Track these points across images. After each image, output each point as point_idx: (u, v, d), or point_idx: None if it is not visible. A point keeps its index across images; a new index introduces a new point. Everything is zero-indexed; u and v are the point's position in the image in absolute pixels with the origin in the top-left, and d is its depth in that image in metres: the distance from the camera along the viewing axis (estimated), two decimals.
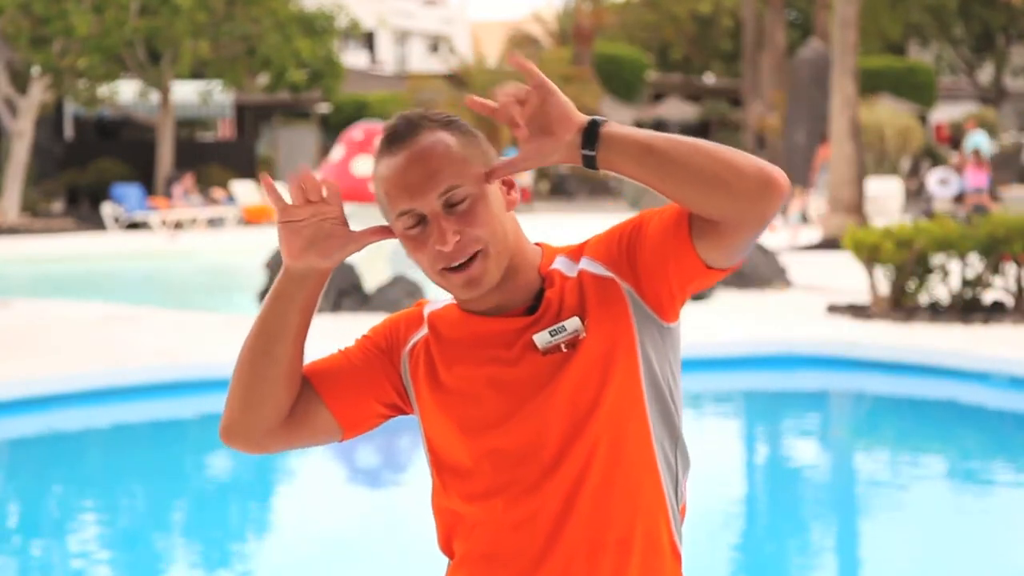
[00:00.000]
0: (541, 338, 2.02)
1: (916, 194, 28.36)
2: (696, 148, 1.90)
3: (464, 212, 1.99)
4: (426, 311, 2.15)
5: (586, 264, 2.06)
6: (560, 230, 23.66)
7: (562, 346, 2.01)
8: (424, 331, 2.13)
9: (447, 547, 2.20)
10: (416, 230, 2.02)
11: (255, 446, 2.16)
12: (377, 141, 2.07)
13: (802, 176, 25.99)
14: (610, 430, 2.01)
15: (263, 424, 2.14)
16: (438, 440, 2.11)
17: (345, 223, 2.07)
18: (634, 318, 2.04)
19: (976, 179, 23.43)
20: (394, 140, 2.03)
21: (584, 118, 1.91)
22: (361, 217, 11.41)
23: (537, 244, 2.13)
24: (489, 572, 2.09)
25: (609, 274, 2.04)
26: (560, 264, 2.08)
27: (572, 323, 2.01)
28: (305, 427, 2.14)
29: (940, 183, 25.49)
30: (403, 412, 2.18)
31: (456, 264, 2.00)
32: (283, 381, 2.13)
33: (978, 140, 24.63)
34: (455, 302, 2.12)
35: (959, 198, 24.34)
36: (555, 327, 2.01)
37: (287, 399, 2.13)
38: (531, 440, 2.02)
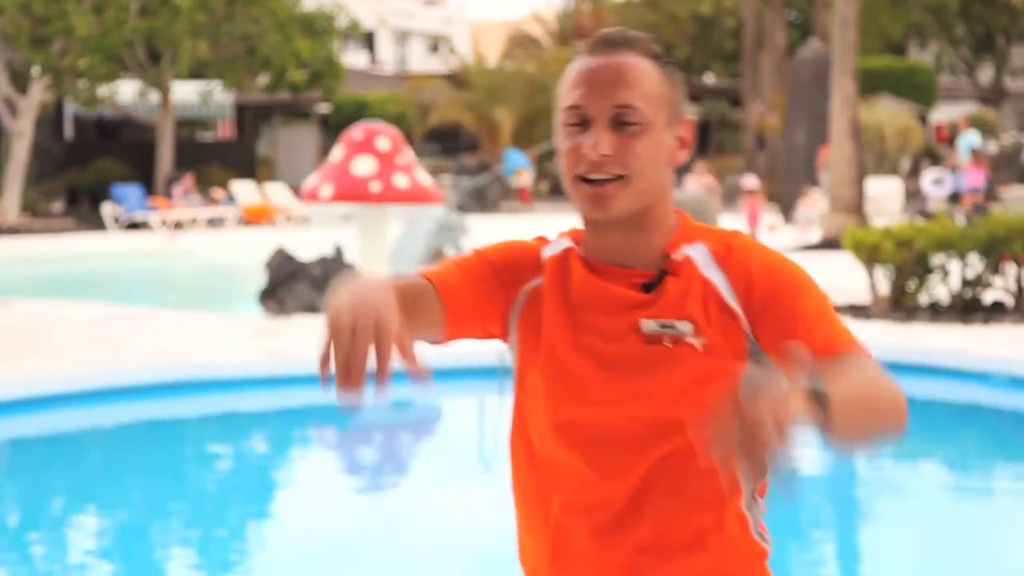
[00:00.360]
0: (648, 325, 1.98)
1: (915, 194, 28.36)
2: (885, 409, 1.81)
3: (628, 135, 1.94)
4: (544, 254, 2.08)
5: (718, 279, 1.99)
6: (560, 230, 23.61)
7: (666, 340, 1.98)
8: (540, 279, 2.07)
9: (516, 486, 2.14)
10: (575, 128, 1.97)
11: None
12: (587, 42, 2.02)
13: (802, 176, 25.98)
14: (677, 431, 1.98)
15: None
16: (524, 394, 2.07)
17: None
18: (747, 354, 1.99)
19: (974, 179, 23.46)
20: (602, 45, 1.99)
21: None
22: (361, 217, 11.47)
23: (677, 212, 2.06)
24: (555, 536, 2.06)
25: (737, 308, 1.98)
26: (697, 255, 2.01)
27: (684, 326, 1.97)
28: (422, 326, 2.02)
29: (934, 183, 25.52)
30: (501, 339, 2.13)
31: (594, 177, 1.95)
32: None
33: (971, 140, 24.66)
34: (574, 246, 2.06)
35: (954, 198, 24.37)
36: (666, 322, 1.98)
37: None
38: (610, 422, 1.99)
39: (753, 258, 1.99)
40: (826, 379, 1.69)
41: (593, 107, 1.96)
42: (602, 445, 2.00)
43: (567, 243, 2.09)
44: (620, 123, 1.95)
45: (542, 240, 2.13)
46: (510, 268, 2.08)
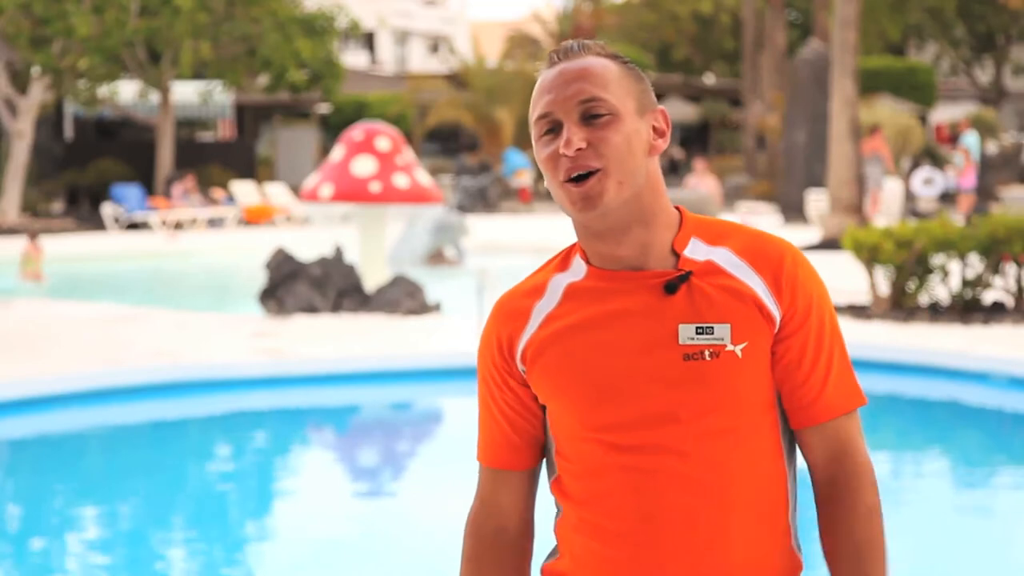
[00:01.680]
0: (686, 331, 1.96)
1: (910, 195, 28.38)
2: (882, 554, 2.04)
3: (599, 126, 1.96)
4: (556, 291, 2.06)
5: (754, 282, 1.99)
6: (560, 230, 23.64)
7: (706, 352, 1.95)
8: (534, 326, 2.05)
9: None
10: (548, 136, 1.99)
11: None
12: (546, 59, 2.06)
13: (802, 176, 25.98)
14: (742, 445, 1.98)
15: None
16: (558, 430, 2.06)
17: None
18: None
19: (968, 179, 23.54)
20: (559, 54, 2.03)
21: None
22: (361, 217, 11.49)
23: (676, 207, 2.06)
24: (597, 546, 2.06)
25: (776, 313, 1.98)
26: (722, 258, 2.00)
27: (723, 329, 1.96)
28: (530, 493, 2.17)
29: (924, 183, 25.54)
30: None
31: (575, 175, 1.95)
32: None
33: (968, 141, 24.72)
34: (571, 281, 2.05)
35: (944, 197, 24.42)
36: (704, 325, 1.96)
37: (529, 551, 2.20)
38: (648, 444, 1.98)
39: (795, 269, 2.00)
40: None
41: (560, 109, 1.98)
42: (634, 454, 1.98)
43: (562, 283, 2.06)
44: (589, 117, 1.97)
45: (535, 288, 2.09)
46: (499, 364, 2.09)
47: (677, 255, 2.00)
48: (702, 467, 1.96)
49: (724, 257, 2.00)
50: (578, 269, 2.05)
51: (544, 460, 2.14)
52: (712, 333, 1.95)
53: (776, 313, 1.97)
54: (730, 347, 1.95)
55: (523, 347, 2.06)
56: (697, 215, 2.07)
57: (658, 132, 2.03)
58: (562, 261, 2.09)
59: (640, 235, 1.99)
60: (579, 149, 1.94)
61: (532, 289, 2.09)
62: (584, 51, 2.03)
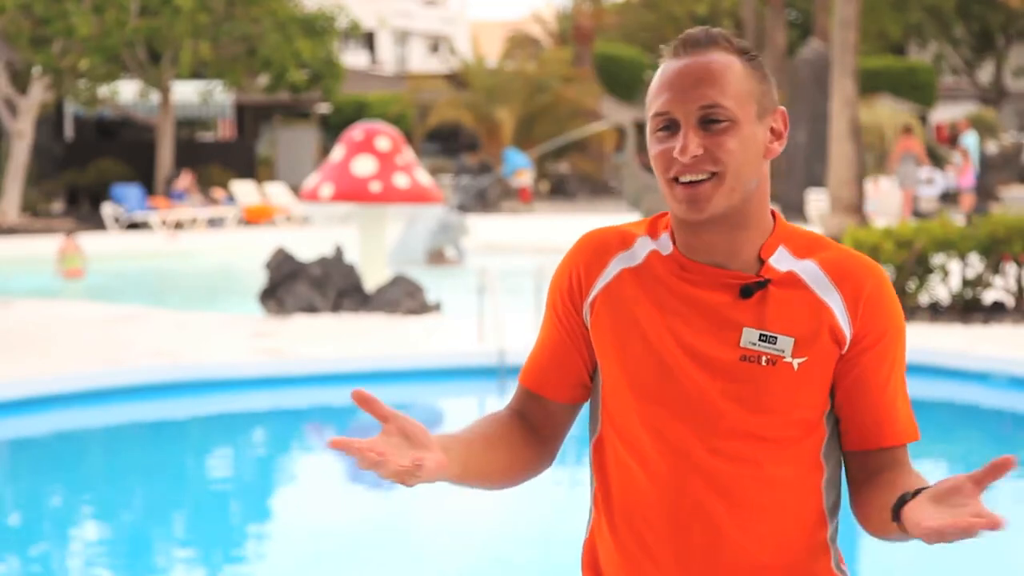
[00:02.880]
0: (749, 335, 1.95)
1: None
2: None
3: (717, 132, 1.92)
4: (641, 251, 2.05)
5: (834, 301, 1.97)
6: (560, 230, 23.64)
7: (763, 359, 1.94)
8: (608, 276, 2.05)
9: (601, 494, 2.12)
10: (664, 133, 1.95)
11: (549, 463, 2.17)
12: (671, 44, 2.00)
13: (802, 176, 26.00)
14: (779, 456, 1.97)
15: (539, 467, 2.15)
16: (609, 392, 2.05)
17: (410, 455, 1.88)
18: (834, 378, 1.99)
19: (967, 179, 23.55)
20: (686, 45, 1.98)
21: None
22: (361, 217, 11.48)
23: (772, 212, 2.03)
24: (632, 536, 2.03)
25: (847, 335, 1.96)
26: (807, 272, 1.98)
27: (786, 342, 1.94)
28: (560, 425, 2.13)
29: (925, 182, 25.54)
30: None
31: (687, 179, 1.93)
32: (514, 465, 2.11)
33: (968, 141, 24.71)
34: (656, 249, 2.04)
35: (944, 197, 24.42)
36: (768, 334, 1.95)
37: (527, 455, 2.11)
38: (689, 430, 1.97)
39: (872, 287, 1.97)
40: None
41: (679, 110, 1.94)
42: (688, 459, 1.98)
43: (647, 247, 2.05)
44: (708, 122, 1.93)
45: (631, 234, 2.07)
46: (570, 292, 2.09)
47: (762, 261, 1.99)
48: (734, 467, 1.96)
49: (809, 271, 1.98)
50: (665, 243, 2.04)
51: (586, 410, 2.14)
52: (774, 343, 1.94)
53: (848, 332, 1.95)
54: (788, 359, 1.94)
55: (594, 295, 2.05)
56: (791, 224, 2.05)
57: (775, 134, 2.00)
58: (651, 225, 2.07)
59: (734, 237, 1.98)
60: (695, 155, 1.92)
61: (620, 237, 2.07)
62: (711, 44, 1.97)
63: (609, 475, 2.05)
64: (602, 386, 2.06)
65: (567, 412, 2.13)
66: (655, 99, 1.97)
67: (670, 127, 1.95)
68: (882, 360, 1.97)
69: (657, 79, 1.99)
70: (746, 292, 1.96)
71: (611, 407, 2.04)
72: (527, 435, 2.11)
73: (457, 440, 2.00)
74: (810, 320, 1.95)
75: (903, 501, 1.85)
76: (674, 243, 2.02)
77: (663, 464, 1.98)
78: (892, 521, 1.88)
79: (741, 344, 1.95)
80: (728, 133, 1.93)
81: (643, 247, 2.05)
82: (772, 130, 2.00)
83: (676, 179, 1.94)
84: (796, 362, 1.94)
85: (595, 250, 2.07)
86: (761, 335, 1.95)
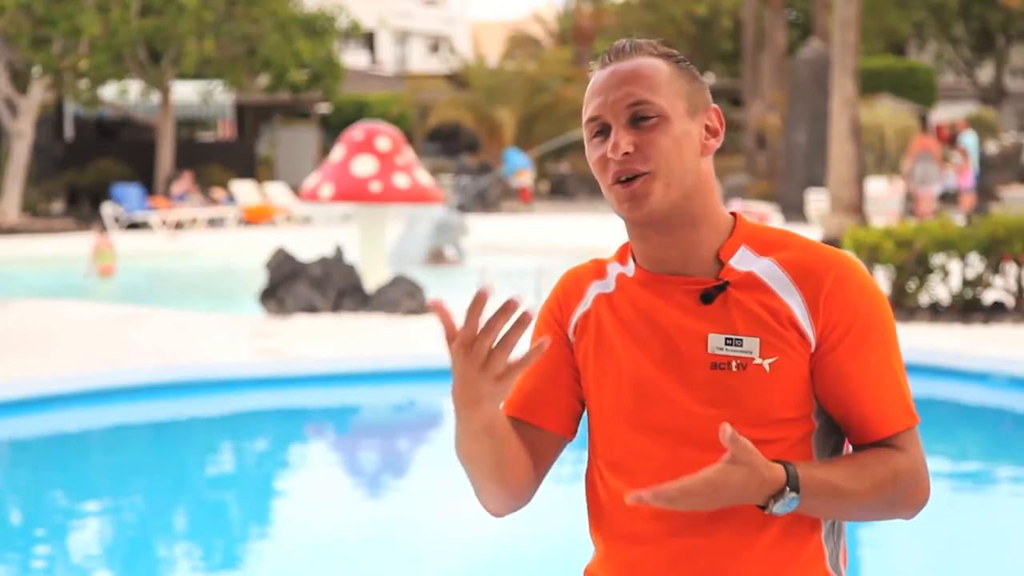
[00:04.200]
0: (715, 340, 1.95)
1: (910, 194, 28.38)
2: (872, 487, 1.93)
3: (647, 129, 1.95)
4: (611, 276, 2.08)
5: (793, 300, 1.95)
6: (560, 230, 23.63)
7: (733, 364, 1.94)
8: (587, 304, 2.08)
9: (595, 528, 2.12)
10: (598, 139, 1.99)
11: (523, 502, 2.13)
12: (599, 58, 2.04)
13: (802, 176, 26.00)
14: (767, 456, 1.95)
15: (517, 497, 2.11)
16: (595, 418, 2.07)
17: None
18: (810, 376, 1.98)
19: (967, 179, 23.57)
20: (611, 55, 2.02)
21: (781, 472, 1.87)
22: (361, 217, 11.48)
23: (732, 213, 2.04)
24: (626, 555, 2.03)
25: (811, 335, 1.95)
26: (764, 271, 1.98)
27: (751, 343, 1.94)
28: (544, 457, 2.11)
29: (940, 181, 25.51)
30: None
31: (623, 178, 1.94)
32: (513, 476, 2.07)
33: (967, 141, 24.72)
34: (622, 271, 2.06)
35: (944, 197, 24.44)
36: (733, 337, 1.95)
37: (524, 477, 2.08)
38: (673, 446, 1.98)
39: (839, 286, 1.95)
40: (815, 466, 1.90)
41: (609, 112, 1.97)
42: (674, 474, 1.97)
43: (616, 270, 2.08)
44: (637, 120, 1.96)
45: (600, 263, 2.11)
46: (556, 321, 2.10)
47: (722, 263, 1.99)
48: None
49: (767, 269, 1.98)
50: (630, 264, 2.07)
51: (556, 451, 2.13)
52: (741, 346, 1.94)
53: (811, 332, 1.95)
54: (758, 360, 1.94)
55: (575, 322, 2.08)
56: (755, 224, 2.05)
57: (711, 131, 2.02)
58: (621, 251, 2.11)
59: (686, 238, 1.99)
60: (626, 153, 1.94)
61: (595, 267, 2.12)
62: (636, 51, 2.01)
63: (600, 500, 2.06)
64: (589, 414, 2.08)
65: (552, 444, 2.10)
66: (586, 108, 2.02)
67: (603, 131, 1.99)
68: (856, 352, 1.95)
69: (588, 90, 2.03)
70: (706, 298, 1.97)
71: (597, 433, 2.06)
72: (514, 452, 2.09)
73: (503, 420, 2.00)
74: (772, 320, 1.94)
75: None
76: (635, 261, 2.04)
77: (650, 483, 1.97)
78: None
79: (709, 350, 1.95)
80: (658, 129, 1.95)
81: (613, 272, 2.08)
82: (707, 127, 2.01)
83: (615, 182, 1.96)
84: (767, 363, 1.94)
85: (573, 282, 2.12)
86: (727, 339, 1.95)
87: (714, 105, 2.03)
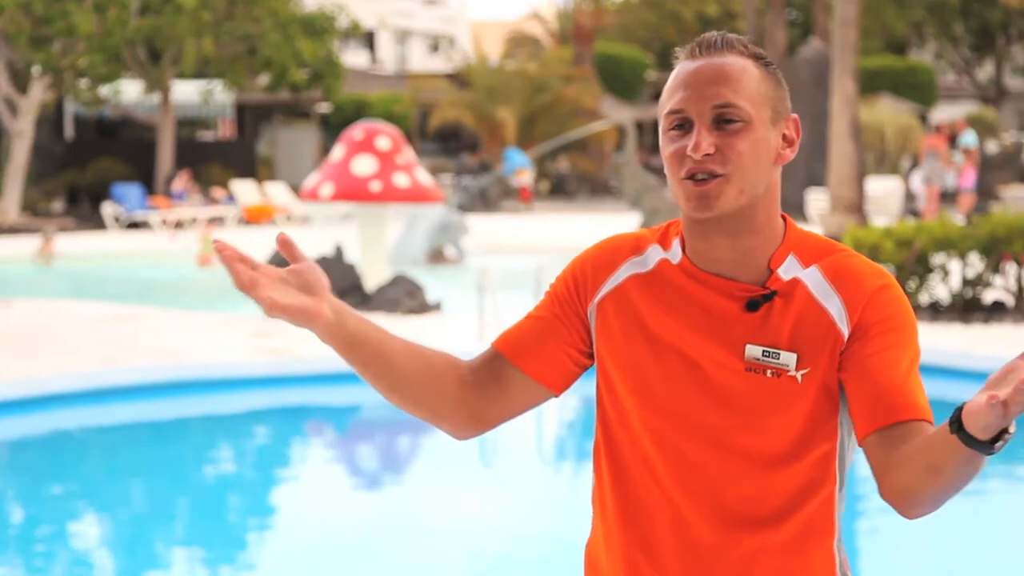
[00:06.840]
0: (752, 351, 1.96)
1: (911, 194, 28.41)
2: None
3: (730, 132, 1.93)
4: (626, 271, 2.06)
5: (834, 307, 1.96)
6: (560, 229, 23.63)
7: (768, 371, 1.95)
8: (618, 279, 2.06)
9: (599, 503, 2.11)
10: (677, 132, 1.96)
11: (477, 430, 2.11)
12: (687, 47, 2.01)
13: (802, 175, 26.01)
14: (787, 462, 1.96)
15: (459, 418, 2.09)
16: (610, 395, 2.05)
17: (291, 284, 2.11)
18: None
19: (968, 178, 23.55)
20: (701, 48, 1.99)
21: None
22: (361, 217, 11.48)
23: (782, 216, 2.03)
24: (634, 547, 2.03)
25: (845, 333, 1.95)
26: (811, 280, 1.97)
27: (789, 357, 1.94)
28: (510, 396, 2.08)
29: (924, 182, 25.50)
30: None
31: (697, 176, 1.93)
32: (428, 386, 2.06)
33: (967, 140, 24.72)
34: (666, 258, 2.04)
35: (944, 197, 24.42)
36: (771, 350, 1.95)
37: (450, 392, 2.06)
38: (701, 446, 1.98)
39: (873, 288, 1.96)
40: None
41: (693, 109, 1.95)
42: (691, 468, 1.98)
43: (658, 255, 2.06)
44: (721, 122, 1.94)
45: (644, 239, 2.09)
46: (576, 285, 2.09)
47: (771, 271, 1.99)
48: (734, 470, 1.97)
49: (812, 278, 1.98)
50: (675, 252, 2.04)
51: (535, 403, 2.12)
52: (778, 359, 1.95)
53: (845, 331, 1.94)
54: (792, 372, 1.94)
55: (602, 296, 2.06)
56: (803, 230, 2.04)
57: (787, 141, 2.01)
58: (663, 234, 2.08)
59: (743, 243, 1.98)
60: (707, 154, 1.93)
61: (634, 242, 2.09)
62: (727, 47, 1.98)
63: (609, 477, 2.05)
64: (604, 390, 2.06)
65: (526, 388, 2.08)
66: (670, 97, 1.98)
67: (683, 125, 1.96)
68: (890, 344, 1.94)
69: (672, 79, 1.99)
70: (752, 306, 1.97)
71: (612, 411, 2.05)
72: (464, 379, 2.07)
73: (370, 325, 2.05)
74: (813, 331, 1.95)
75: (958, 412, 1.84)
76: (684, 252, 2.03)
77: (663, 467, 1.98)
78: (952, 433, 1.86)
79: (745, 358, 1.95)
80: (741, 134, 1.93)
81: (654, 255, 2.06)
82: (784, 136, 2.00)
83: (687, 177, 1.94)
84: (800, 374, 1.94)
85: (608, 252, 2.09)
86: (764, 351, 1.95)
87: (793, 115, 2.02)
